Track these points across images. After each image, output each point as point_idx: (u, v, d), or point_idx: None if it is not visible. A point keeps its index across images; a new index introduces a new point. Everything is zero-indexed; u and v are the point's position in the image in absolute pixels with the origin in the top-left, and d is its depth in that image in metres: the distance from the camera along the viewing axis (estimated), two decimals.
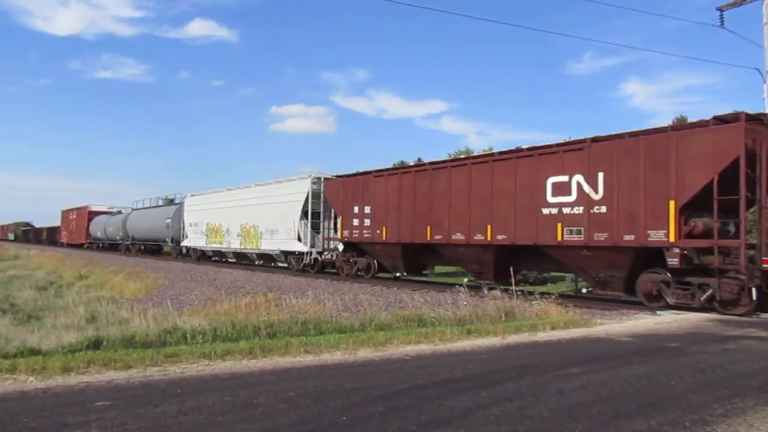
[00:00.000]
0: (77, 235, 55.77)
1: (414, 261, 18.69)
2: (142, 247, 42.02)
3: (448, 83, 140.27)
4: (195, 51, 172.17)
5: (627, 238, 12.29)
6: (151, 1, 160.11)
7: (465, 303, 11.69)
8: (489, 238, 15.10)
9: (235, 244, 28.08)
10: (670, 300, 11.94)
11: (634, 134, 12.59)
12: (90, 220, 52.63)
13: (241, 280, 21.92)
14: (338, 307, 14.68)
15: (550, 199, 13.73)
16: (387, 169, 19.09)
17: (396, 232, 18.19)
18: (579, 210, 13.15)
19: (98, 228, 50.02)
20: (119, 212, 49.30)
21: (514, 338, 8.45)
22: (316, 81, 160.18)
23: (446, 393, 5.12)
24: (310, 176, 22.86)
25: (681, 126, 12.69)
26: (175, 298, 19.90)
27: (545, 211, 13.83)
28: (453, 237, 16.14)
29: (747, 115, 11.00)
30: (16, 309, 19.39)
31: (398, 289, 16.74)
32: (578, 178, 13.17)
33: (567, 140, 14.34)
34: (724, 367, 6.56)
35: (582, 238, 13.05)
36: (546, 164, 13.87)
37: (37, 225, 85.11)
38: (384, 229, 18.64)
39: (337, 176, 21.86)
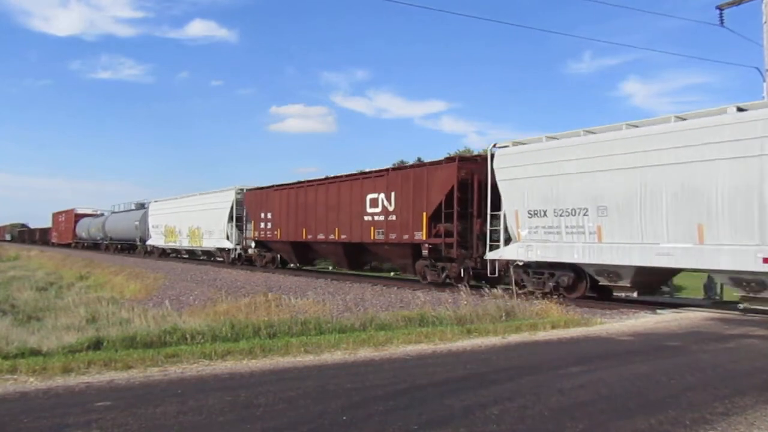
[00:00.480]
0: (65, 235, 60.72)
1: (302, 255, 24.33)
2: (119, 246, 46.66)
3: (447, 83, 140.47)
4: (195, 51, 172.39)
5: (405, 237, 17.55)
6: (150, 2, 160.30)
7: (465, 302, 11.68)
8: (337, 237, 20.55)
9: (185, 243, 33.76)
10: (429, 278, 17.21)
11: (412, 166, 18.89)
12: (76, 221, 57.43)
13: (241, 281, 21.93)
14: (339, 307, 14.69)
15: (368, 209, 19.02)
16: (281, 185, 24.68)
17: (286, 233, 23.59)
18: (382, 218, 18.44)
19: (83, 229, 55.03)
20: (101, 214, 53.80)
21: (514, 337, 8.45)
22: (316, 81, 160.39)
23: (447, 392, 5.13)
24: (234, 188, 28.34)
25: (431, 162, 17.95)
26: (175, 298, 19.91)
27: (366, 218, 19.07)
28: (318, 237, 21.66)
29: (461, 157, 17.85)
30: (16, 310, 19.41)
31: (398, 288, 16.75)
32: (382, 195, 18.49)
33: (377, 169, 19.48)
34: (725, 365, 6.56)
35: (383, 238, 18.40)
36: (366, 185, 19.35)
37: (33, 226, 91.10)
38: (279, 230, 24.18)
39: (252, 189, 27.12)
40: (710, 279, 14.38)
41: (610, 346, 7.93)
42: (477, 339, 8.24)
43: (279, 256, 25.71)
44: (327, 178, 22.23)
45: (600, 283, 13.27)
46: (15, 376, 5.59)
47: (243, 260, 28.14)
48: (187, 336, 7.79)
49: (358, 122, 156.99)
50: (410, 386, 5.35)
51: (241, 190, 27.78)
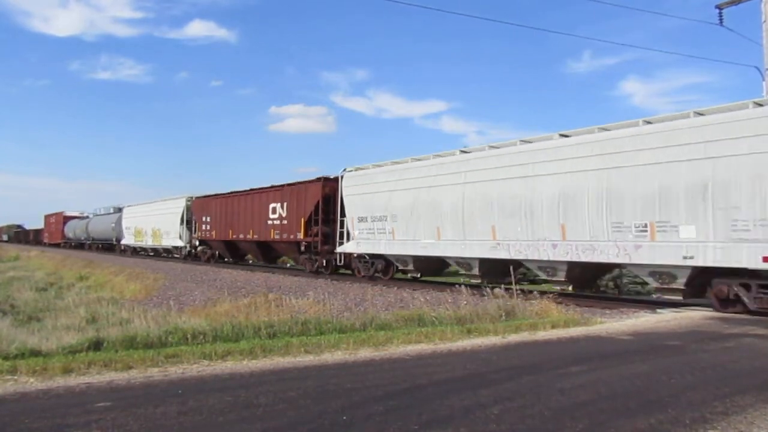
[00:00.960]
0: (55, 236, 66.85)
1: (232, 251, 30.78)
2: (100, 245, 52.77)
3: (447, 83, 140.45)
4: (194, 51, 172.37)
5: (291, 237, 23.36)
6: (150, 2, 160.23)
7: (465, 302, 11.69)
8: (251, 237, 26.59)
9: (149, 242, 39.73)
10: (308, 268, 23.01)
11: (296, 183, 23.81)
12: (65, 223, 63.74)
13: (242, 281, 21.95)
14: (339, 307, 14.70)
15: (270, 216, 24.90)
16: (217, 194, 30.88)
17: (219, 233, 29.89)
18: (278, 222, 24.33)
19: (71, 230, 61.26)
20: (87, 217, 59.44)
21: (514, 337, 8.46)
22: (316, 81, 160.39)
23: (447, 392, 5.13)
24: (185, 197, 34.63)
25: (307, 181, 23.12)
26: (175, 298, 19.92)
27: (268, 222, 24.93)
28: (239, 236, 27.76)
29: (325, 178, 21.89)
30: (16, 310, 19.42)
31: (398, 288, 16.76)
32: (278, 205, 24.37)
33: (278, 185, 25.03)
34: (725, 365, 6.56)
35: (279, 237, 24.32)
36: (270, 197, 25.26)
37: (28, 227, 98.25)
38: (215, 231, 30.48)
39: (198, 197, 33.15)
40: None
41: (610, 346, 7.93)
42: (477, 339, 8.24)
43: (216, 252, 32.25)
44: (247, 190, 27.87)
45: (399, 268, 19.29)
46: (15, 377, 5.59)
47: (192, 256, 34.13)
48: (188, 336, 7.79)
49: (357, 122, 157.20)
50: (410, 386, 5.36)
51: (191, 198, 33.99)
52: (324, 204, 21.51)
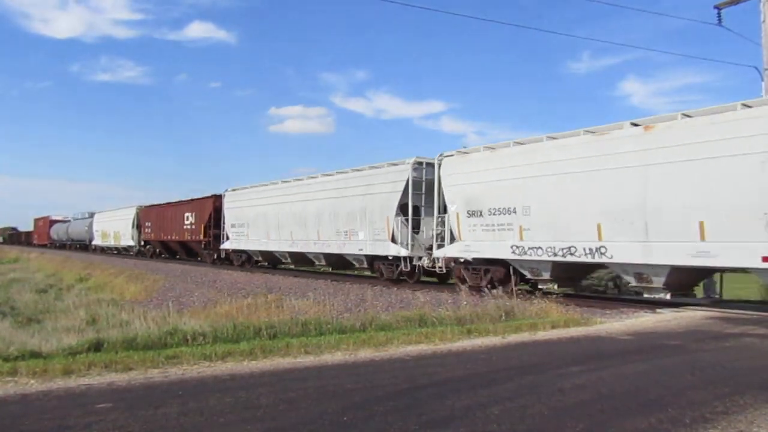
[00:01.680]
0: (42, 237, 74.47)
1: (165, 249, 39.05)
2: (78, 245, 59.67)
3: (447, 83, 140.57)
4: (194, 53, 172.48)
5: (197, 238, 32.02)
6: (149, 4, 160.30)
7: (465, 303, 11.69)
8: (175, 238, 35.34)
9: (112, 243, 48.07)
10: (208, 261, 31.59)
11: (199, 198, 32.56)
12: (50, 226, 71.41)
13: (242, 282, 21.95)
14: (339, 308, 14.70)
15: (185, 221, 33.35)
16: (153, 205, 40.32)
17: (156, 234, 38.47)
18: (190, 227, 32.86)
19: (55, 232, 68.90)
20: (69, 221, 66.84)
21: (514, 337, 8.46)
22: (315, 82, 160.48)
23: (447, 392, 5.13)
24: (136, 206, 42.95)
25: (204, 197, 31.75)
26: (175, 299, 19.92)
27: (185, 226, 33.36)
28: (168, 237, 36.49)
29: (215, 195, 30.41)
30: (16, 312, 19.41)
31: (399, 289, 16.76)
32: (190, 214, 32.76)
33: (191, 198, 33.81)
34: (724, 364, 6.57)
35: (190, 238, 32.92)
36: (185, 207, 33.77)
37: (21, 229, 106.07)
38: (153, 233, 39.05)
39: (145, 206, 41.75)
40: (710, 278, 14.40)
41: (610, 346, 7.94)
42: (477, 339, 8.24)
43: (157, 249, 40.57)
44: (173, 202, 36.47)
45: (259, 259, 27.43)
46: (15, 378, 5.59)
47: (141, 253, 42.65)
48: (188, 337, 7.78)
49: (357, 123, 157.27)
50: (411, 386, 5.36)
51: (140, 207, 42.49)
52: (215, 214, 29.95)
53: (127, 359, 6.32)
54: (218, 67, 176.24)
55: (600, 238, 12.28)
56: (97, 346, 7.19)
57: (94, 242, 52.37)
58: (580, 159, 12.84)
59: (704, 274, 12.47)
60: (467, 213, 15.31)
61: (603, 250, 12.27)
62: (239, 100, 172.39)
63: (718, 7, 17.43)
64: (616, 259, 12.17)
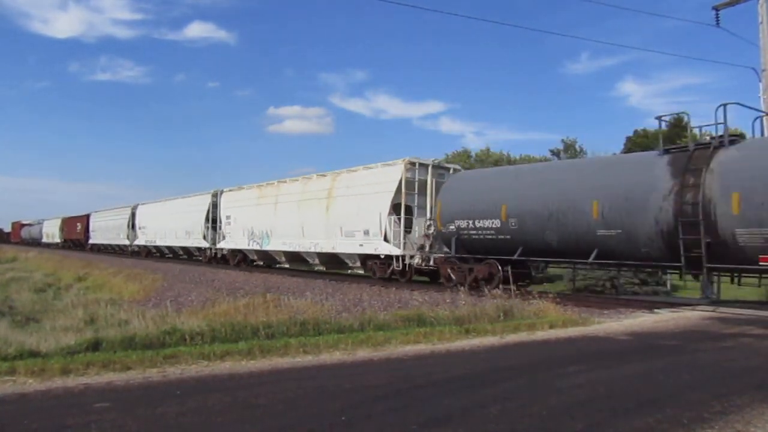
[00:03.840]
0: (17, 237, 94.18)
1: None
2: (38, 243, 75.41)
3: (446, 84, 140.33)
4: (193, 53, 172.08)
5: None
6: (149, 4, 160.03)
7: (463, 302, 11.70)
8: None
9: (51, 240, 65.39)
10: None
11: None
12: (21, 228, 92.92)
13: (240, 281, 21.92)
14: (337, 308, 14.69)
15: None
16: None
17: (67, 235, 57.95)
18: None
19: (25, 233, 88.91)
20: (38, 223, 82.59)
21: (512, 337, 8.47)
22: (314, 82, 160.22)
23: (445, 392, 5.14)
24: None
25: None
26: (173, 299, 19.88)
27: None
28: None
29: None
30: (14, 311, 19.36)
31: (397, 289, 16.76)
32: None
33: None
34: (722, 364, 6.59)
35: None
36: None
37: (6, 230, 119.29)
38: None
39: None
40: (708, 279, 14.42)
41: (607, 346, 7.95)
42: (475, 339, 8.25)
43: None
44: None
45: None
46: (14, 378, 5.58)
47: (65, 247, 56.69)
48: (186, 337, 7.78)
49: (356, 123, 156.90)
50: (409, 386, 5.36)
51: (65, 217, 60.27)
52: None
53: (126, 359, 6.31)
54: (217, 67, 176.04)
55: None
56: (95, 346, 7.18)
57: (43, 240, 73.09)
58: (291, 194, 23.73)
59: (334, 257, 21.74)
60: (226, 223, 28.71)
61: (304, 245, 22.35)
62: (238, 100, 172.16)
63: (716, 9, 17.48)
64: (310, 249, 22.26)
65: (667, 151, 12.49)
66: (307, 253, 22.73)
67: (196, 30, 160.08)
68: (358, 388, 5.27)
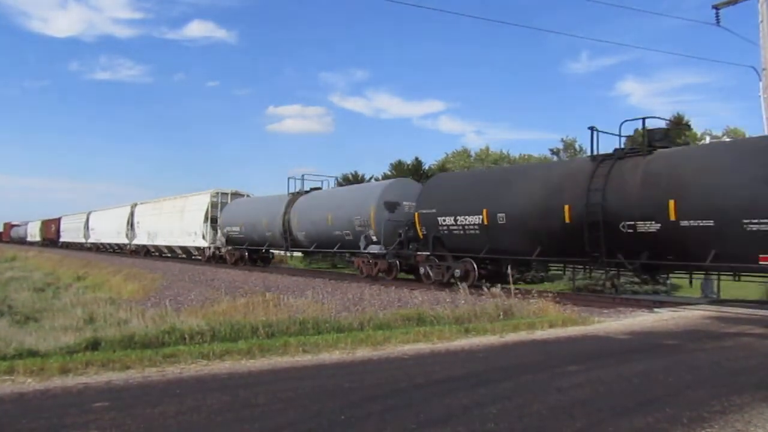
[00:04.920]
0: (7, 236, 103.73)
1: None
2: (23, 242, 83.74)
3: (446, 83, 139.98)
4: (193, 52, 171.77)
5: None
6: (149, 3, 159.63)
7: (463, 302, 11.70)
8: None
9: (33, 239, 73.95)
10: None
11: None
12: (11, 228, 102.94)
13: (239, 280, 21.92)
14: (337, 307, 14.68)
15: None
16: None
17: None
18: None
19: (14, 233, 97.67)
20: (20, 225, 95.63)
21: (512, 337, 8.46)
22: (314, 81, 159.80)
23: (445, 391, 5.13)
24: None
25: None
26: (173, 298, 19.85)
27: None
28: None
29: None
30: (13, 310, 19.34)
31: (397, 288, 16.76)
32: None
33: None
34: (722, 364, 6.58)
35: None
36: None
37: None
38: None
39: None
40: (707, 278, 14.45)
41: (607, 345, 7.95)
42: (475, 338, 8.25)
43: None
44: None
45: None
46: (12, 377, 5.58)
47: (44, 245, 62.68)
48: (186, 336, 7.77)
49: (356, 122, 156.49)
50: (408, 385, 5.36)
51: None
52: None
53: (125, 358, 6.30)
54: (217, 66, 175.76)
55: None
56: (94, 345, 7.18)
57: (28, 239, 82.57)
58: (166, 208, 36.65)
59: (186, 249, 35.32)
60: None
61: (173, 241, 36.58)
62: (238, 100, 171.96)
63: (716, 7, 17.44)
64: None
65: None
66: (174, 246, 36.94)
67: (196, 29, 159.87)
68: (358, 387, 5.27)
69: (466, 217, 16.03)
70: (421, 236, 17.66)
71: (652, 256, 12.12)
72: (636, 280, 17.58)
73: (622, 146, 13.81)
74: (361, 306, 14.48)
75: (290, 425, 4.13)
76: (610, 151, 13.63)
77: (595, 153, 13.79)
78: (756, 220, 10.30)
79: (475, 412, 4.47)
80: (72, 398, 4.88)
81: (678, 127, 22.14)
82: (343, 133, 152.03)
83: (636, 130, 16.89)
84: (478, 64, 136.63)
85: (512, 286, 12.63)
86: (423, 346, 7.56)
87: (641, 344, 7.94)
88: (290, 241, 24.78)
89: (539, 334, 8.75)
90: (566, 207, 13.35)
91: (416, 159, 36.76)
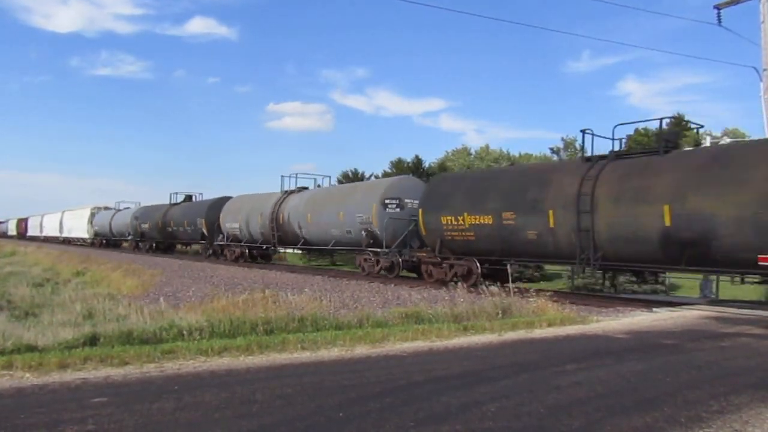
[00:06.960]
0: None
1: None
2: (14, 237, 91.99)
3: (446, 81, 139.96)
4: (194, 48, 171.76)
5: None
6: None
7: (462, 300, 11.70)
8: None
9: (11, 234, 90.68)
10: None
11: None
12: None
13: (239, 277, 21.92)
14: (335, 304, 14.68)
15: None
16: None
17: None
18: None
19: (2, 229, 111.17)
20: (5, 221, 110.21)
21: (510, 335, 8.47)
22: (315, 78, 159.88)
23: (443, 389, 5.13)
24: (15, 218, 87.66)
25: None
26: (172, 294, 19.87)
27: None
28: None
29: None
30: (12, 305, 19.35)
31: (396, 286, 16.77)
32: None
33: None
34: (720, 364, 6.59)
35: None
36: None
37: None
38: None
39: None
40: (706, 278, 14.45)
41: (606, 344, 7.95)
42: (473, 336, 8.25)
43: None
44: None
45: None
46: (11, 372, 5.58)
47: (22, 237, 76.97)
48: (184, 332, 7.78)
49: (356, 120, 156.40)
50: (407, 383, 5.36)
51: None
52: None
53: (123, 354, 6.31)
54: (218, 63, 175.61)
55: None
56: (93, 341, 7.19)
57: (8, 233, 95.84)
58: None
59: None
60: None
61: None
62: (238, 96, 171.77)
63: (717, 7, 17.41)
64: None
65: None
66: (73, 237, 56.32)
67: (197, 25, 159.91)
68: (356, 384, 5.27)
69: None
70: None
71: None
72: (634, 279, 17.62)
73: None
74: (359, 304, 14.48)
75: (288, 422, 4.13)
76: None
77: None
78: None
79: (474, 410, 4.47)
80: (70, 393, 4.88)
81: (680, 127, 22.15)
82: (343, 130, 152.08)
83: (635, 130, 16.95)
84: (479, 63, 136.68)
85: (512, 286, 12.63)
86: (421, 344, 7.56)
87: (640, 344, 7.95)
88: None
89: (538, 332, 8.76)
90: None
91: (416, 157, 36.76)
